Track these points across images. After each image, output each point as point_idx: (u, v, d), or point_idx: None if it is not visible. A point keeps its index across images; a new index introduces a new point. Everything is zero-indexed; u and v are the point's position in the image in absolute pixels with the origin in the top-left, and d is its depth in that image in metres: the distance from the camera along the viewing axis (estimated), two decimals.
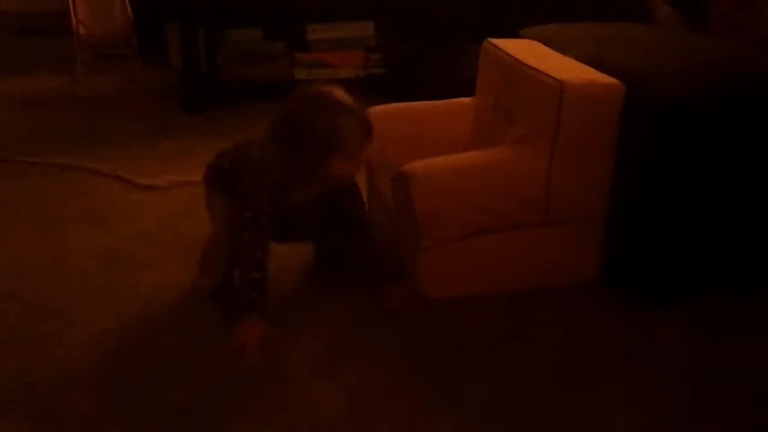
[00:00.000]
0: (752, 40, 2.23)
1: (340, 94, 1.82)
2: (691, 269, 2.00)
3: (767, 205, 1.99)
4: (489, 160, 1.98)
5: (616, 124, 1.93)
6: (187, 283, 2.05)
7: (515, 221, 1.95)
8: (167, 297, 2.01)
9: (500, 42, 2.27)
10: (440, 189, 1.91)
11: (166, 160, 2.95)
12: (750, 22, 2.28)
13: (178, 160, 2.94)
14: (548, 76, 1.92)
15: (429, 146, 2.18)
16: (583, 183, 1.96)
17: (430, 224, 1.90)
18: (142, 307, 1.97)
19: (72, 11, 3.74)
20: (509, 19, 3.10)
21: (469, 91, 2.41)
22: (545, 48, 2.23)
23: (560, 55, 2.15)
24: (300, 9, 3.71)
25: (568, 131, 1.89)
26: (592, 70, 1.99)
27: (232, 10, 3.67)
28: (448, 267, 1.96)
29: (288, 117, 1.82)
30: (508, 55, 2.15)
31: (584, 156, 1.93)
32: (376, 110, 2.32)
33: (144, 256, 2.22)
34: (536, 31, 2.45)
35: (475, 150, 2.15)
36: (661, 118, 1.85)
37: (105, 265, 2.16)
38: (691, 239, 1.95)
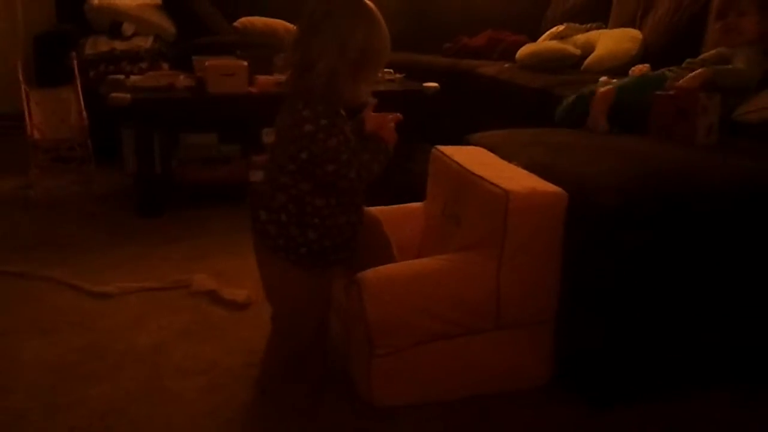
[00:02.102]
0: (690, 147, 2.33)
1: None
2: (641, 371, 2.03)
3: (713, 306, 2.04)
4: (439, 267, 2.02)
5: (561, 229, 1.99)
6: (139, 396, 2.02)
7: (466, 327, 1.98)
8: (119, 411, 1.98)
9: (448, 149, 2.34)
10: (392, 296, 1.93)
11: (120, 265, 2.94)
12: (687, 131, 2.37)
13: (131, 265, 2.93)
14: (494, 185, 1.98)
15: None
16: (531, 288, 2.00)
17: (382, 331, 1.92)
18: (94, 423, 1.93)
19: (27, 115, 3.75)
20: (463, 121, 3.21)
21: (424, 190, 2.46)
22: (492, 155, 2.31)
23: (506, 162, 2.23)
24: (255, 114, 3.78)
25: (515, 238, 1.95)
26: (537, 178, 2.06)
27: (187, 116, 3.71)
28: (400, 374, 1.96)
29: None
30: (456, 162, 2.21)
31: (532, 261, 1.98)
32: None
33: (95, 368, 2.19)
34: (484, 137, 2.53)
35: (426, 255, 2.19)
36: (600, 224, 1.92)
37: (55, 379, 2.12)
38: (639, 341, 1.99)
